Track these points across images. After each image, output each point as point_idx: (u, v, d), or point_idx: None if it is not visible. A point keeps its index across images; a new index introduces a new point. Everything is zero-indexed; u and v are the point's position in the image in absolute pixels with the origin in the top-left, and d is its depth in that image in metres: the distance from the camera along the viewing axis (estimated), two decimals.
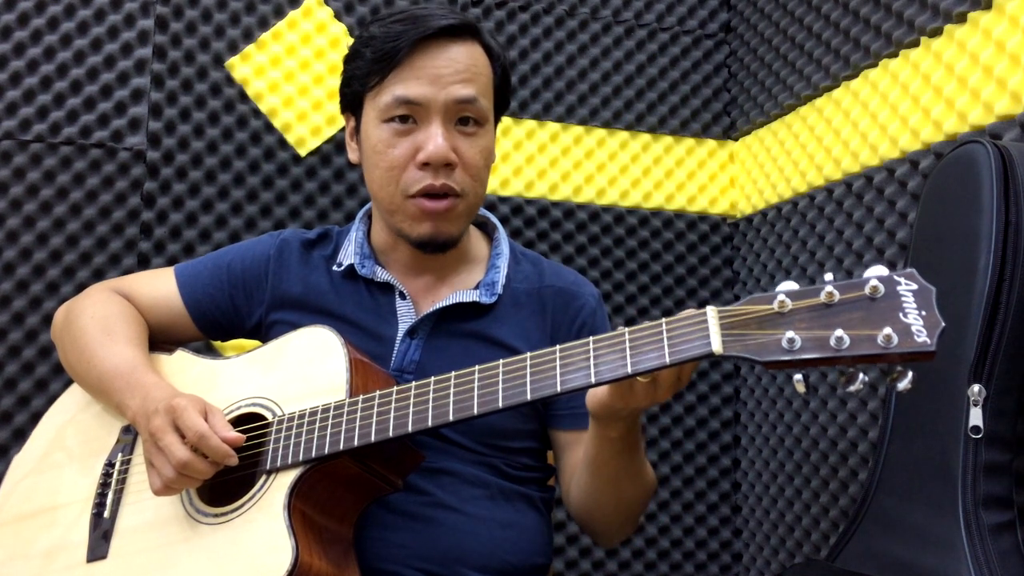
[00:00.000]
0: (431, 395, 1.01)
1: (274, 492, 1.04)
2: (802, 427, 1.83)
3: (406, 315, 1.24)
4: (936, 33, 1.54)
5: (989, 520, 1.16)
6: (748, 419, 2.05)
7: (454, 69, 1.17)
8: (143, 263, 1.83)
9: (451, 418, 0.99)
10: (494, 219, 1.36)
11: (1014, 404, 1.19)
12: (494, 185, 2.01)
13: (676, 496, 2.04)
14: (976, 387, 1.18)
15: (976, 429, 1.17)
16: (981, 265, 1.19)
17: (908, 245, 1.41)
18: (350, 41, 1.84)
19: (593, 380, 0.93)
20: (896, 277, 0.83)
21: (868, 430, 1.62)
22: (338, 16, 1.97)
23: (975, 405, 1.18)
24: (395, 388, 1.05)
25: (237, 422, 1.13)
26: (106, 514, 1.14)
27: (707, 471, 2.07)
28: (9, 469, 1.26)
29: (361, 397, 1.06)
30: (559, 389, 0.94)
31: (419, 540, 1.14)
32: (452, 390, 1.00)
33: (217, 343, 1.75)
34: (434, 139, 1.16)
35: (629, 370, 0.91)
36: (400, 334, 1.23)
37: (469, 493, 1.18)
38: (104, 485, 1.16)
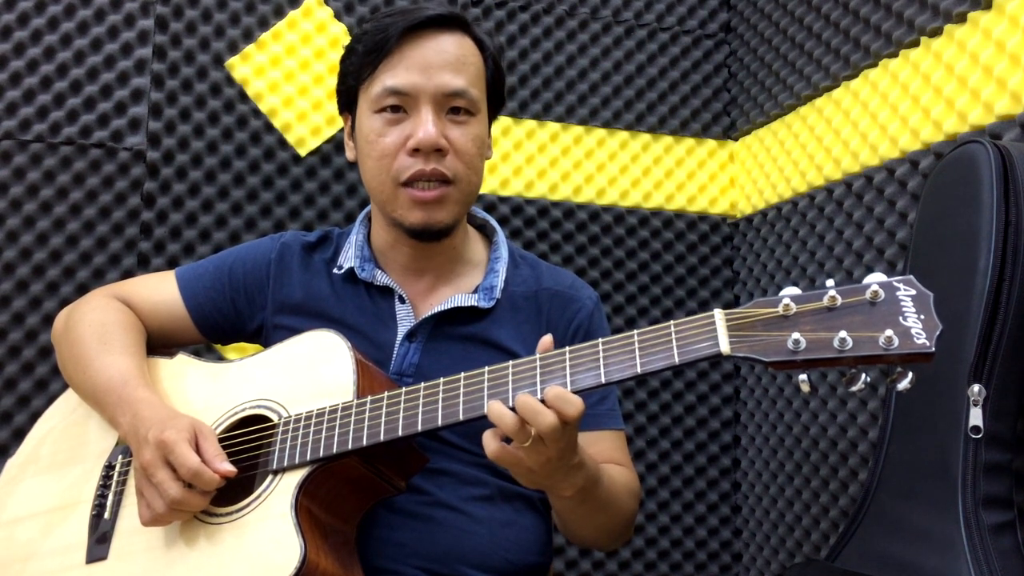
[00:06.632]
0: (440, 395, 1.02)
1: (281, 491, 1.04)
2: (802, 427, 1.83)
3: (405, 319, 1.24)
4: (936, 33, 1.54)
5: (989, 520, 1.17)
6: (748, 419, 2.06)
7: (443, 59, 1.19)
8: (143, 263, 1.83)
9: (461, 418, 0.99)
10: (493, 222, 1.36)
11: (1014, 404, 1.20)
12: (494, 185, 2.01)
13: (676, 496, 2.05)
14: (976, 387, 1.18)
15: (976, 429, 1.17)
16: (981, 265, 1.20)
17: (908, 245, 1.41)
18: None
19: (603, 380, 0.94)
20: (895, 283, 0.87)
21: (868, 430, 1.63)
22: (338, 16, 1.97)
23: (975, 405, 1.18)
24: (403, 389, 1.05)
25: (241, 424, 1.14)
26: (106, 515, 1.13)
27: (707, 471, 2.07)
28: (3, 471, 1.25)
29: (369, 398, 1.06)
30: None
31: (419, 539, 1.15)
32: (462, 390, 1.01)
33: (218, 346, 1.75)
34: (424, 126, 1.17)
35: (639, 370, 0.92)
36: (399, 337, 1.23)
37: (468, 493, 1.19)
38: (104, 487, 1.16)
